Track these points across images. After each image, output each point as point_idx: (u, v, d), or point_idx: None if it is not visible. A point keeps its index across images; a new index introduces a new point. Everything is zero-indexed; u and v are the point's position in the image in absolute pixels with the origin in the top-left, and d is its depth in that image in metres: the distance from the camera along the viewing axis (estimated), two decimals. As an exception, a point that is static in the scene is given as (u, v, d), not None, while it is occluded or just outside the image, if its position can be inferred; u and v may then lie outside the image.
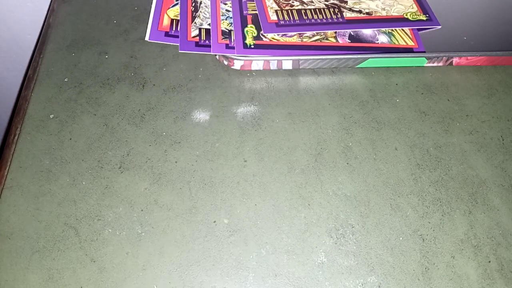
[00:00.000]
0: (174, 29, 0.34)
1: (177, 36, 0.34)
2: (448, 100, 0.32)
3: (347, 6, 0.35)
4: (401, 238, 0.27)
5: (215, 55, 0.33)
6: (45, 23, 0.36)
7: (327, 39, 0.33)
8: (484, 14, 0.35)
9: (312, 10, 0.34)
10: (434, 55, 0.32)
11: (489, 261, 0.26)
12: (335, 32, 0.33)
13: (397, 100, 0.32)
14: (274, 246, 0.26)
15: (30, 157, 0.28)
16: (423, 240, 0.27)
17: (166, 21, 0.35)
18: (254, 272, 0.25)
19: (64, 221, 0.26)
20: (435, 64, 0.33)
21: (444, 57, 0.33)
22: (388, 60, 0.32)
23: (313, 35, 0.33)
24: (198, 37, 0.33)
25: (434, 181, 0.28)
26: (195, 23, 0.34)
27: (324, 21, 0.33)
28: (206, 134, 0.30)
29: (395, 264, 0.26)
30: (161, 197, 0.27)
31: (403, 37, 0.33)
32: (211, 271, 0.25)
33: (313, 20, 0.33)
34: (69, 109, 0.30)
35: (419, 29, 0.34)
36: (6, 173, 0.28)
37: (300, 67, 0.33)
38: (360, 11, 0.34)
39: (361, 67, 0.34)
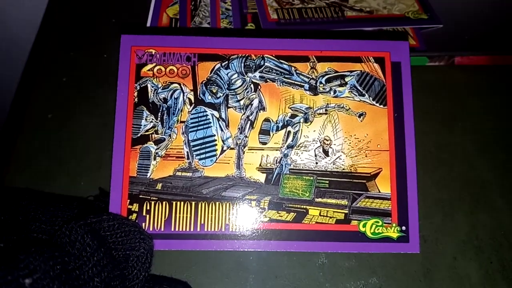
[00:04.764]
0: (173, 28, 0.34)
1: (177, 35, 0.33)
2: (450, 99, 0.32)
3: (348, 5, 0.34)
4: (402, 239, 0.26)
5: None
6: (44, 23, 0.35)
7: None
8: (486, 13, 0.35)
9: (313, 9, 0.34)
10: (435, 54, 0.32)
11: (491, 262, 0.26)
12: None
13: (399, 100, 0.32)
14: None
15: (29, 157, 0.28)
16: (425, 241, 0.26)
17: (165, 20, 0.34)
18: (255, 273, 0.25)
19: (62, 222, 0.26)
20: (436, 64, 0.33)
21: (445, 56, 0.32)
22: (389, 59, 0.32)
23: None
24: (197, 36, 0.33)
25: (436, 181, 0.28)
26: (195, 21, 0.34)
27: (325, 20, 0.33)
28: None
29: (397, 265, 0.26)
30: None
31: (404, 36, 0.33)
32: (211, 273, 0.25)
33: (313, 19, 0.33)
34: (67, 108, 0.30)
35: (420, 28, 0.34)
36: (5, 173, 0.27)
37: None
38: (361, 10, 0.34)
39: (362, 66, 0.33)
